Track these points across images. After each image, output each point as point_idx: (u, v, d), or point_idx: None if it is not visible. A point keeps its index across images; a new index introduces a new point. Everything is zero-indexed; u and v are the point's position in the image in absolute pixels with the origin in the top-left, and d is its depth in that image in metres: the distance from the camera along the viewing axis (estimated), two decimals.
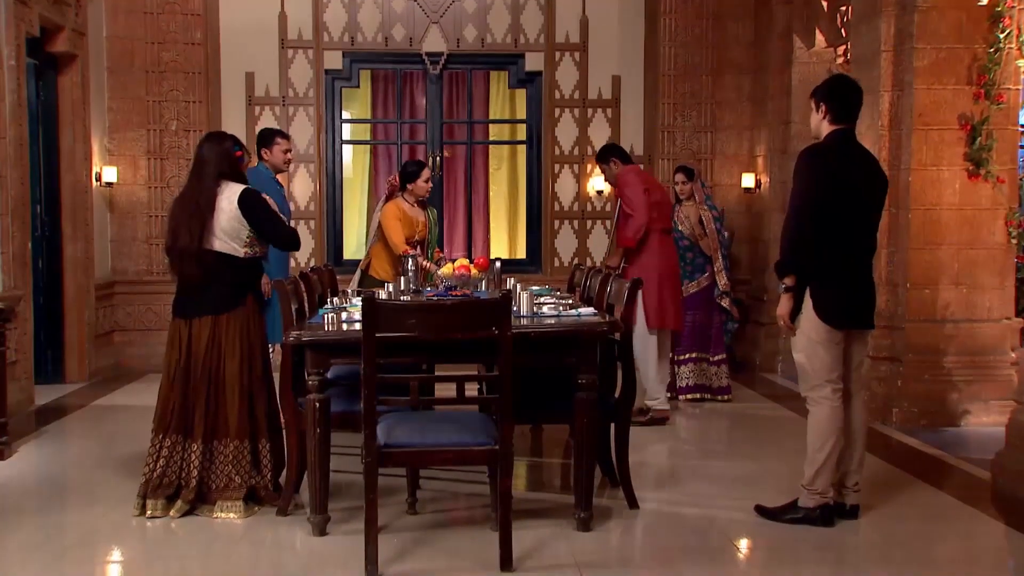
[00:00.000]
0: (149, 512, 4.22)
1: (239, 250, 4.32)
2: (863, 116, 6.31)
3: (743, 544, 4.07)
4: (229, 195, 4.30)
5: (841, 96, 4.15)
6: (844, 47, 7.25)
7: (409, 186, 6.26)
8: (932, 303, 6.11)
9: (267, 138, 5.99)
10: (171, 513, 4.21)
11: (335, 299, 5.00)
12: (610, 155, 6.45)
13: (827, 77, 4.34)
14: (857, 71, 6.54)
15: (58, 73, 7.50)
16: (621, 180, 6.21)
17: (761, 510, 4.27)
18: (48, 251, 7.52)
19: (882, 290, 6.22)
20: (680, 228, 6.78)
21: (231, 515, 4.20)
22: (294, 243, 4.55)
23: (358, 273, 6.40)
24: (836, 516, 4.15)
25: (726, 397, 6.82)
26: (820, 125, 4.18)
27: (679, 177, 6.89)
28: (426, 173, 6.31)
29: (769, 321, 8.19)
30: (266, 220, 4.37)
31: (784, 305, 4.10)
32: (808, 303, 4.06)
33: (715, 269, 6.85)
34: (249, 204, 4.31)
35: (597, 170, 8.81)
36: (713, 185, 8.67)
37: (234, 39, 8.62)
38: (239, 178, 4.42)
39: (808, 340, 4.07)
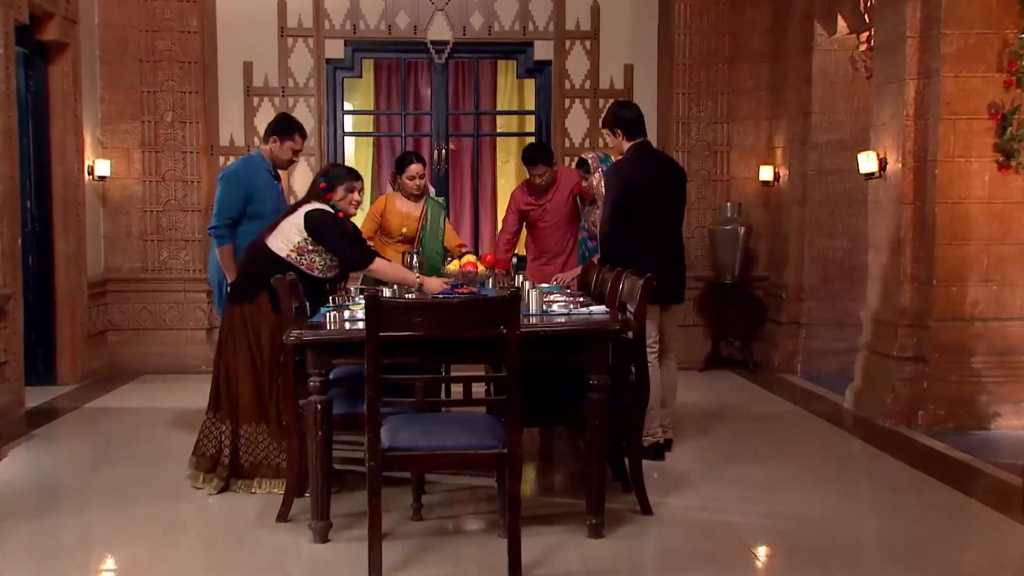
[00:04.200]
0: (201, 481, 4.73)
1: (284, 250, 4.68)
2: (887, 106, 6.37)
3: (761, 551, 4.07)
4: (305, 208, 4.76)
5: (623, 118, 5.32)
6: (867, 33, 7.23)
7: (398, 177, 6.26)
8: (960, 300, 6.09)
9: (288, 129, 5.47)
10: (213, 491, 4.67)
11: (337, 297, 5.01)
12: (552, 158, 6.55)
13: (608, 106, 5.54)
14: (881, 58, 6.54)
15: (48, 62, 7.52)
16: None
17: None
18: (39, 247, 7.55)
19: (907, 287, 6.23)
20: (585, 226, 6.22)
21: (276, 490, 4.57)
22: (361, 262, 4.84)
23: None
24: (664, 451, 5.32)
25: None
26: (621, 144, 5.34)
27: (580, 173, 6.22)
28: (414, 168, 6.16)
29: (787, 320, 8.19)
30: (328, 237, 4.71)
31: None
32: None
33: None
34: (309, 222, 4.68)
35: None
36: (730, 178, 8.67)
37: (231, 27, 8.64)
38: (321, 202, 4.82)
39: None
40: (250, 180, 5.35)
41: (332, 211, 4.80)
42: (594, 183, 5.98)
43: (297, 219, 4.71)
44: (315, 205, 4.76)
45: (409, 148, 9.18)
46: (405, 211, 6.23)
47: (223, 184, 5.42)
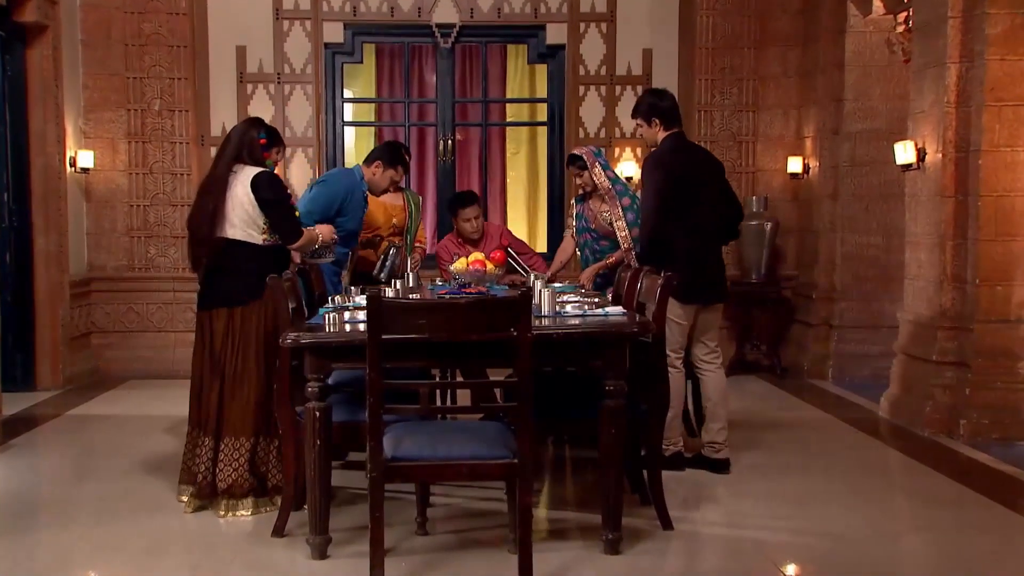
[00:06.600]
0: (186, 500, 4.62)
1: (257, 237, 4.56)
2: (927, 92, 6.35)
3: (791, 570, 4.06)
4: (243, 179, 4.53)
5: (659, 107, 5.33)
6: (905, 13, 7.21)
7: None
8: (1005, 301, 6.06)
9: (394, 159, 5.88)
10: (189, 509, 4.56)
11: (337, 297, 5.02)
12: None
13: (640, 95, 5.60)
14: (920, 40, 6.52)
15: (27, 46, 7.55)
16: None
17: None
18: (17, 244, 7.57)
19: (947, 287, 6.20)
20: (592, 227, 6.04)
21: (242, 512, 4.48)
22: (292, 237, 4.65)
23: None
24: (687, 464, 5.32)
25: None
26: (656, 135, 5.36)
27: (572, 170, 6.13)
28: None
29: (818, 322, 8.17)
30: (275, 204, 4.54)
31: None
32: None
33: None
34: (260, 185, 4.51)
35: (625, 155, 8.83)
36: (755, 170, 8.65)
37: (223, 9, 8.65)
38: (258, 164, 4.62)
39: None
40: (348, 194, 5.45)
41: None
42: (595, 178, 5.94)
43: (245, 191, 4.50)
44: (257, 169, 4.56)
45: (413, 138, 9.22)
46: (390, 202, 6.27)
47: (320, 187, 5.59)
